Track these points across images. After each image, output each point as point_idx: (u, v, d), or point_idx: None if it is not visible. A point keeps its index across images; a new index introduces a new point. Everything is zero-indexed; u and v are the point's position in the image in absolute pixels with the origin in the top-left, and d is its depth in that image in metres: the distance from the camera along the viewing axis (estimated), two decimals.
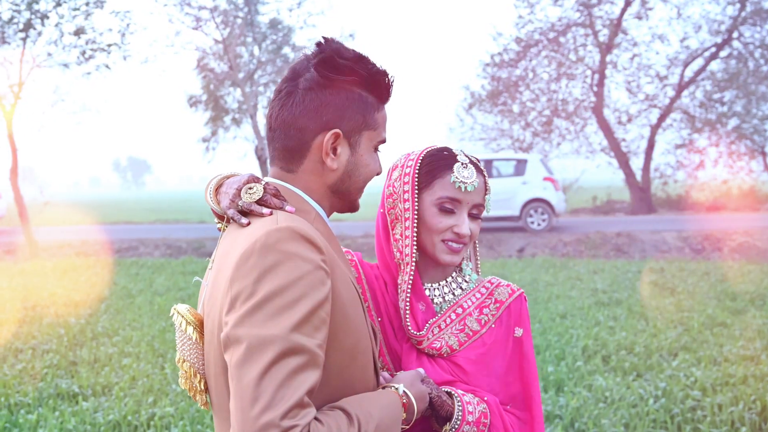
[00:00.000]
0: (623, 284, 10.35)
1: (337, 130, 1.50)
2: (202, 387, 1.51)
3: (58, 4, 15.52)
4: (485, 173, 1.80)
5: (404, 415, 1.49)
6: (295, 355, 1.24)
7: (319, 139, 1.50)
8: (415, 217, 1.75)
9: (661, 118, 25.23)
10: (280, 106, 1.51)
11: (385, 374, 1.66)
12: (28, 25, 15.32)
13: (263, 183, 1.50)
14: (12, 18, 15.12)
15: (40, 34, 15.62)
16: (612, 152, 25.59)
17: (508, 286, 1.85)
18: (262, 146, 18.78)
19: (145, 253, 15.73)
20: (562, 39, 25.73)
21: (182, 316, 1.50)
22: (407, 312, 1.73)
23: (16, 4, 15.10)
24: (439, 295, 1.81)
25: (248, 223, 1.44)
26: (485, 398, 1.70)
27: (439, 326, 1.76)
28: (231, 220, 1.50)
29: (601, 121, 25.22)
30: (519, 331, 1.79)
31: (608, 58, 25.20)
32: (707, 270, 11.50)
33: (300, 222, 1.40)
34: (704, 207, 23.83)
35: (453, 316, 1.78)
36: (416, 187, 1.75)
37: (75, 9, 15.75)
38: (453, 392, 1.66)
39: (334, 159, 1.51)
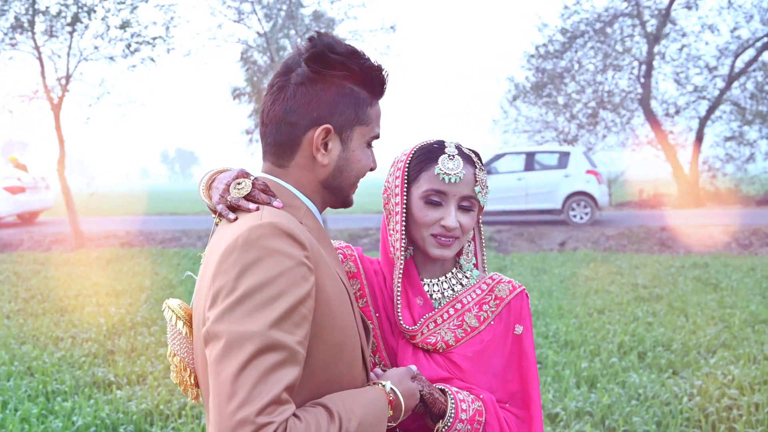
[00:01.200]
0: (665, 279, 10.16)
1: (328, 126, 1.49)
2: (192, 381, 1.51)
3: None
4: (479, 166, 1.76)
5: (391, 412, 1.48)
6: (274, 351, 1.23)
7: (310, 134, 1.49)
8: (404, 211, 1.74)
9: (710, 110, 24.67)
10: (272, 101, 1.51)
11: (377, 370, 1.64)
12: (76, 19, 15.55)
13: (252, 178, 1.50)
14: (60, 12, 15.37)
15: (86, 27, 15.85)
16: (659, 145, 25.10)
17: (509, 282, 1.81)
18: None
19: (188, 243, 15.93)
20: (608, 30, 25.32)
21: (173, 311, 1.51)
22: (399, 306, 1.72)
23: None
24: (438, 290, 1.79)
25: (235, 219, 1.45)
26: (481, 396, 1.67)
27: (435, 321, 1.73)
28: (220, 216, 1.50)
29: (648, 113, 24.77)
30: (519, 329, 1.76)
31: (656, 49, 24.72)
32: (753, 266, 11.23)
33: (285, 218, 1.39)
34: (754, 201, 23.28)
35: (451, 312, 1.75)
36: (405, 181, 1.74)
37: (120, 2, 15.95)
38: (447, 389, 1.63)
39: (325, 154, 1.50)
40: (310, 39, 1.50)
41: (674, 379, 5.56)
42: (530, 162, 17.41)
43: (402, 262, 1.74)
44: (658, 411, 4.86)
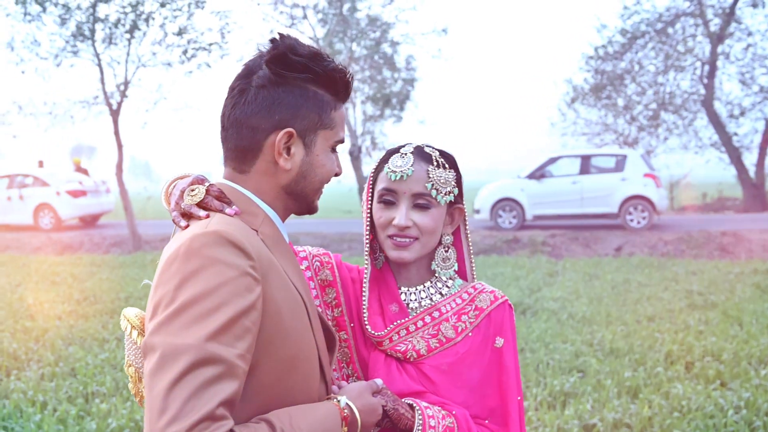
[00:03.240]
0: (722, 286, 9.82)
1: (291, 129, 1.44)
2: None
3: (162, 5, 16.04)
4: (440, 164, 1.69)
5: (345, 429, 1.41)
6: (209, 365, 1.18)
7: (272, 138, 1.44)
8: (369, 215, 1.72)
9: None
10: (233, 105, 1.46)
11: (341, 383, 1.57)
12: (134, 27, 15.90)
13: (207, 185, 1.46)
14: (119, 20, 15.73)
15: (144, 34, 16.19)
16: (723, 147, 24.37)
17: (492, 292, 1.73)
18: (355, 143, 18.89)
19: None
20: (670, 30, 24.71)
21: (128, 321, 1.48)
22: (365, 311, 1.67)
23: (123, 7, 15.71)
24: (416, 299, 1.72)
25: (186, 226, 1.41)
26: (453, 412, 1.59)
27: (407, 329, 1.67)
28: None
29: (711, 114, 24.06)
30: (500, 342, 1.68)
31: (720, 49, 24.01)
32: None
33: (233, 226, 1.35)
34: None
35: (427, 320, 1.69)
36: (371, 186, 1.71)
37: (177, 10, 16.25)
38: (415, 405, 1.56)
39: (288, 159, 1.46)
40: (272, 41, 1.46)
41: (721, 390, 5.35)
42: (586, 165, 17.07)
43: (368, 266, 1.71)
44: (700, 423, 4.67)
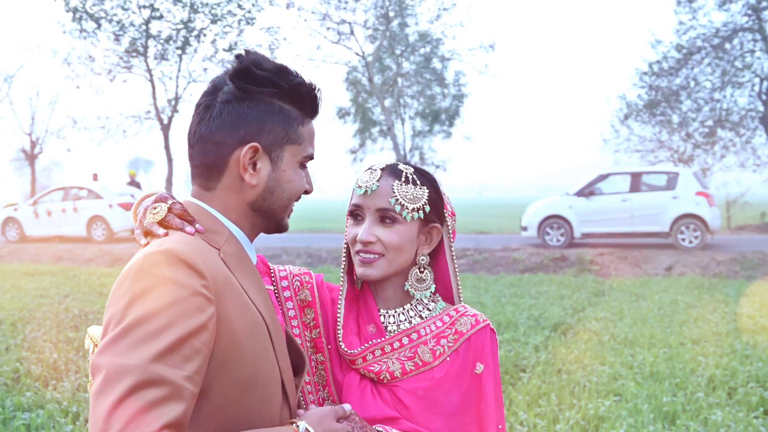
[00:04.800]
0: None
1: (255, 144, 1.41)
2: None
3: (213, 22, 16.33)
4: (410, 180, 1.65)
5: None
6: (154, 386, 1.14)
7: (237, 153, 1.42)
8: (346, 234, 1.70)
9: None
10: (198, 121, 1.45)
11: (311, 407, 1.52)
12: (186, 43, 16.22)
13: (170, 203, 1.44)
14: (170, 37, 16.06)
15: (195, 51, 16.50)
16: None
17: (473, 316, 1.66)
18: (399, 159, 18.89)
19: (287, 261, 16.17)
20: (727, 45, 24.22)
21: (92, 339, 1.46)
22: (340, 329, 1.63)
23: (175, 24, 16.04)
24: (394, 322, 1.67)
25: (146, 244, 1.39)
26: None
27: (382, 349, 1.62)
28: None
29: None
30: (480, 367, 1.61)
31: None
32: None
33: (188, 244, 1.32)
34: None
35: (404, 341, 1.63)
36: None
37: (228, 26, 16.53)
38: None
39: (254, 174, 1.43)
40: (237, 56, 1.44)
41: (764, 419, 5.14)
42: (636, 183, 16.75)
43: (345, 284, 1.69)
44: None
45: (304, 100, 1.47)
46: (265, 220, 1.49)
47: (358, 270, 1.64)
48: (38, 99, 31.39)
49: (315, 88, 1.48)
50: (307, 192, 1.53)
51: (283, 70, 1.43)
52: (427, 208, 1.66)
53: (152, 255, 1.27)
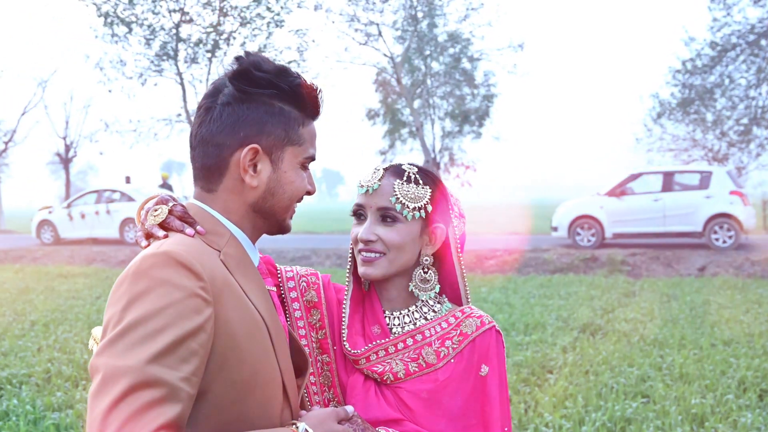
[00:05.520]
0: None
1: (256, 146, 1.42)
2: None
3: (242, 25, 16.45)
4: (412, 179, 1.66)
5: None
6: (150, 388, 1.15)
7: (237, 155, 1.42)
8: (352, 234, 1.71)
9: None
10: (199, 123, 1.46)
11: (314, 408, 1.52)
12: (215, 46, 16.35)
13: (171, 205, 1.45)
14: (200, 40, 16.20)
15: (225, 54, 16.63)
16: None
17: (479, 317, 1.65)
18: (428, 160, 18.87)
19: (317, 262, 16.22)
20: (763, 42, 23.83)
21: (95, 340, 1.47)
22: (344, 329, 1.63)
23: (205, 27, 16.19)
24: (399, 324, 1.67)
25: (147, 246, 1.41)
26: None
27: (386, 349, 1.62)
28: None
29: None
30: (485, 369, 1.59)
31: None
32: None
33: (186, 246, 1.33)
34: None
35: (409, 342, 1.63)
36: None
37: (257, 29, 16.63)
38: None
39: (254, 176, 1.43)
40: (237, 58, 1.45)
41: None
42: (668, 182, 16.54)
43: (350, 284, 1.70)
44: None
45: (305, 101, 1.47)
46: (266, 221, 1.50)
47: (360, 269, 1.65)
48: (72, 103, 31.83)
49: (316, 89, 1.48)
50: (309, 193, 1.53)
51: (282, 72, 1.44)
52: (429, 208, 1.65)
53: (150, 257, 1.28)
